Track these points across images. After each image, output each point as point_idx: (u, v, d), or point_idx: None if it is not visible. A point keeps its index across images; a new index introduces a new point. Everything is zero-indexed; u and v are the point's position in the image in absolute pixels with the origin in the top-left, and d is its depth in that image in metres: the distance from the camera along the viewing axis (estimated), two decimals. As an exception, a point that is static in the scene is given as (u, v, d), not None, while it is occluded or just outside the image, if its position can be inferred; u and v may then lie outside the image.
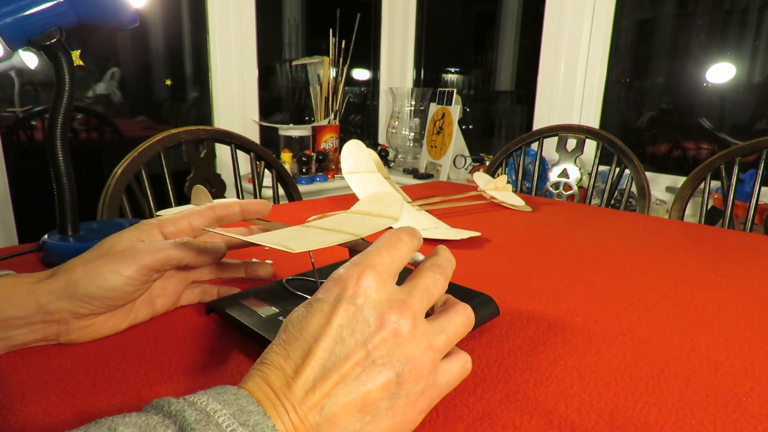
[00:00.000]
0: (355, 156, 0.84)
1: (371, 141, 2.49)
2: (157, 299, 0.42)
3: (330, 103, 2.03)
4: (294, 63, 2.13)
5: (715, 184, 1.38)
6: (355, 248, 0.39)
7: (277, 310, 0.40)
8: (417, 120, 2.25)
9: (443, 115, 2.04)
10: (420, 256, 0.39)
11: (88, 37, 1.67)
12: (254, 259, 0.49)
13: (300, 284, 0.46)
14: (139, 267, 0.36)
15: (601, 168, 1.50)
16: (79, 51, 0.59)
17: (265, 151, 1.21)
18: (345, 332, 0.26)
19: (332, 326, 0.26)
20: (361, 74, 2.41)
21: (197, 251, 0.40)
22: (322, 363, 0.25)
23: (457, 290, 0.43)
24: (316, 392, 0.25)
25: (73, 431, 0.21)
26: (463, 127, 2.21)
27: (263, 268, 0.48)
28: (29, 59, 1.18)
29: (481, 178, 0.97)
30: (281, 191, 1.25)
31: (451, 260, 0.33)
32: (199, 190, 0.50)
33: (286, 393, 0.25)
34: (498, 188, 0.94)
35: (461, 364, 0.30)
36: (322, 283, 0.45)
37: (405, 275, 0.31)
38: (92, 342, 0.38)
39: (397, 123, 2.27)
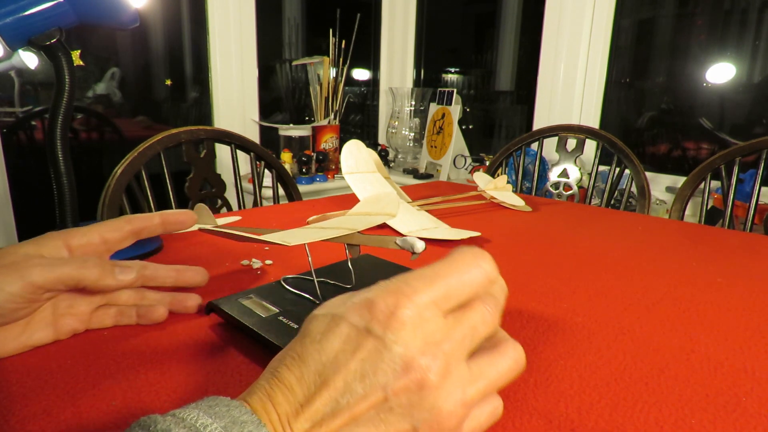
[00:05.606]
0: (355, 156, 0.84)
1: (371, 141, 2.49)
2: (62, 318, 0.38)
3: (330, 103, 2.03)
4: (294, 63, 2.13)
5: (715, 184, 1.38)
6: (350, 243, 0.39)
7: (277, 310, 0.40)
8: (417, 120, 2.25)
9: (443, 115, 2.04)
10: (419, 244, 0.38)
11: (88, 37, 1.67)
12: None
13: (297, 283, 0.46)
14: (26, 284, 0.33)
15: (601, 168, 1.50)
16: (79, 51, 0.59)
17: (265, 151, 1.21)
18: (367, 368, 0.23)
19: (354, 359, 0.23)
20: (361, 74, 2.40)
21: (100, 273, 0.35)
22: (335, 398, 0.23)
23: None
24: (322, 427, 0.23)
25: None
26: (463, 127, 2.21)
27: (197, 274, 0.43)
28: (29, 59, 1.17)
29: (481, 178, 0.97)
30: (281, 191, 1.25)
31: (504, 287, 0.28)
32: (201, 209, 0.49)
33: (291, 421, 0.23)
34: (498, 188, 0.94)
35: (491, 410, 0.26)
36: (319, 282, 0.45)
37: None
38: (92, 342, 0.38)
39: (397, 123, 2.27)
